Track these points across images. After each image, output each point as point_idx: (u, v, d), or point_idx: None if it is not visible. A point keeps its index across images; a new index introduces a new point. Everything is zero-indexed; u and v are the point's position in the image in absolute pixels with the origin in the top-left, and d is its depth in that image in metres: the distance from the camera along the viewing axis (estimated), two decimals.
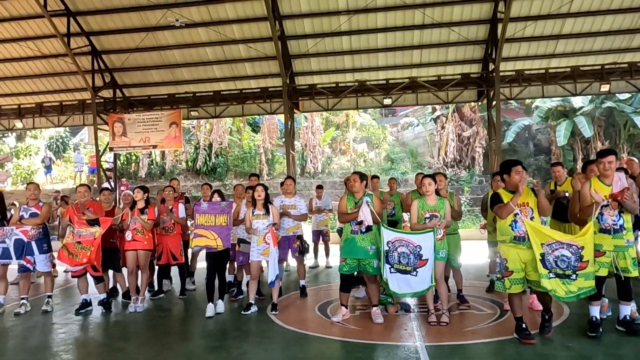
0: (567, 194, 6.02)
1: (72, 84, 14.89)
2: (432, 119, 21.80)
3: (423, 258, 5.11)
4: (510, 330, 4.74)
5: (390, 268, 5.19)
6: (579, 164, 17.60)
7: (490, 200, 4.84)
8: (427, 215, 5.32)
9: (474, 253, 8.69)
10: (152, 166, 21.16)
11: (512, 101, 18.61)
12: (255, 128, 22.53)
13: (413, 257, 5.12)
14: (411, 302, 6.12)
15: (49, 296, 6.69)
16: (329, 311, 6.00)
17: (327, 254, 9.73)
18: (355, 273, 5.75)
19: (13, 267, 6.89)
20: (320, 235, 9.71)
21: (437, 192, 5.51)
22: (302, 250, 6.99)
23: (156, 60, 14.02)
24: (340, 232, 8.24)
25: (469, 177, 19.48)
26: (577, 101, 18.39)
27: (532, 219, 4.46)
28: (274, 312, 5.95)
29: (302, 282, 7.07)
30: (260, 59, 13.52)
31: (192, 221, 7.31)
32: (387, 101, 13.85)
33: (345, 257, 5.50)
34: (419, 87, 13.29)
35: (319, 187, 10.00)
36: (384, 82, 13.36)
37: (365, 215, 5.33)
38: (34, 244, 6.49)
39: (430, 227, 5.18)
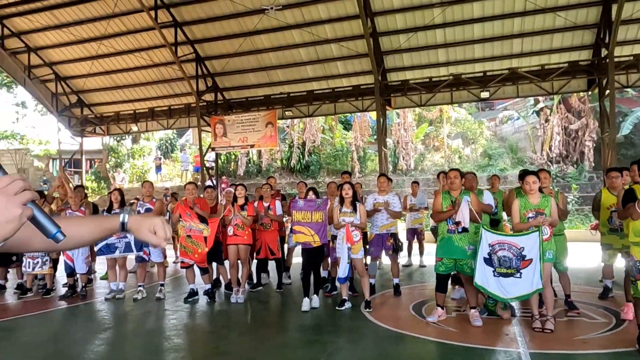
0: None
1: (179, 89, 16.09)
2: (534, 112, 20.41)
3: (527, 258, 4.82)
4: (631, 341, 4.31)
5: (493, 271, 4.96)
6: None
7: (623, 198, 4.34)
8: (530, 214, 5.00)
9: (583, 256, 8.01)
10: (249, 165, 22.20)
11: (629, 89, 16.81)
12: (347, 126, 22.71)
13: (515, 260, 4.85)
14: (514, 306, 5.80)
15: (162, 284, 7.31)
16: (423, 311, 5.89)
17: (421, 253, 9.55)
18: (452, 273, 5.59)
19: (131, 257, 7.62)
20: (414, 233, 9.55)
21: (541, 190, 5.16)
22: (396, 249, 6.93)
23: (253, 64, 14.68)
24: (434, 230, 8.03)
25: (577, 174, 17.95)
26: None
27: None
28: (367, 310, 5.97)
29: (395, 281, 7.01)
30: (352, 57, 13.59)
31: (287, 218, 7.58)
32: (485, 94, 13.21)
33: (442, 256, 5.36)
34: (519, 78, 12.52)
35: (415, 182, 9.82)
36: (481, 74, 12.76)
37: (464, 215, 5.13)
38: None
39: (534, 225, 4.86)
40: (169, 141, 26.67)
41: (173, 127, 17.90)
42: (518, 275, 4.85)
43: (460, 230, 5.22)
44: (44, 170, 25.64)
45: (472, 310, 5.32)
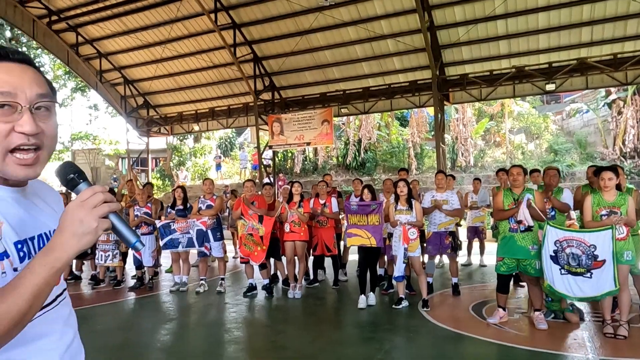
0: None
1: (238, 89, 16.52)
2: (605, 104, 19.15)
3: (599, 259, 4.54)
4: None
5: (560, 269, 4.72)
6: None
7: None
8: (604, 212, 4.70)
9: None
10: (305, 162, 22.43)
11: None
12: (404, 122, 22.38)
13: (585, 258, 4.59)
14: (583, 309, 5.50)
15: (222, 278, 7.57)
16: (484, 312, 5.71)
17: (481, 252, 9.23)
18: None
19: (193, 251, 7.94)
20: (475, 232, 9.26)
21: (618, 187, 4.84)
22: (455, 247, 6.78)
23: (309, 62, 14.81)
24: (495, 229, 7.77)
25: None
26: None
27: None
28: (425, 309, 5.87)
29: (454, 280, 6.84)
30: (409, 52, 13.37)
31: (343, 215, 7.60)
32: (550, 87, 12.55)
33: (503, 256, 5.16)
34: (589, 68, 11.79)
35: (477, 179, 9.53)
36: (546, 66, 12.14)
37: (525, 214, 4.92)
38: (209, 232, 7.40)
39: (608, 224, 4.57)
40: (228, 140, 27.50)
41: (232, 126, 18.42)
42: (588, 275, 4.59)
43: (522, 229, 5.01)
44: (114, 169, 27.26)
45: (537, 313, 5.09)
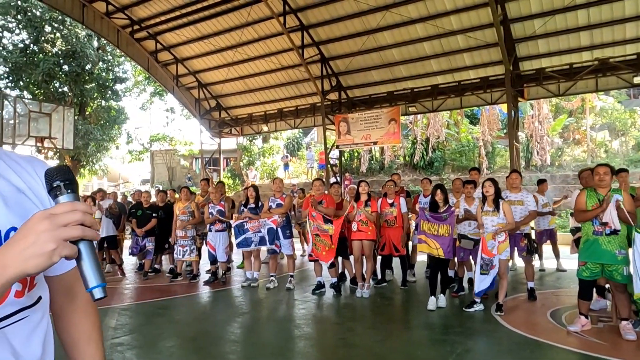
0: None
1: (305, 90, 16.77)
2: None
3: None
4: None
5: None
6: None
7: None
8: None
9: None
10: (372, 161, 22.32)
11: None
12: (474, 120, 21.64)
13: None
14: None
15: (291, 276, 7.73)
16: (563, 319, 5.42)
17: (556, 256, 8.72)
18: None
19: (263, 248, 8.16)
20: (547, 234, 8.75)
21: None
22: (530, 250, 6.47)
23: (376, 61, 14.72)
24: (574, 231, 7.34)
25: None
26: None
27: None
28: (499, 313, 5.66)
29: (530, 284, 6.54)
30: (480, 47, 12.91)
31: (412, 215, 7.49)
32: (638, 79, 11.60)
33: (586, 260, 4.86)
34: None
35: (541, 181, 8.94)
36: (634, 57, 11.23)
37: (612, 216, 4.60)
38: (279, 230, 7.59)
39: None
40: (295, 140, 27.98)
41: (299, 126, 18.73)
42: None
43: (608, 232, 4.69)
44: (189, 168, 28.67)
45: (624, 322, 4.74)
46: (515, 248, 6.46)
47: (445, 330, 5.26)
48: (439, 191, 6.31)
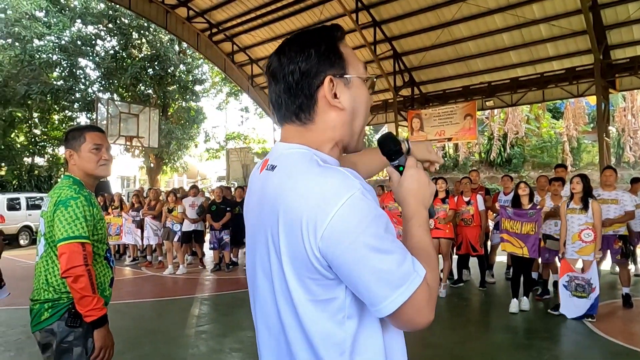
0: None
1: (377, 86, 16.62)
2: None
3: None
4: None
5: None
6: None
7: None
8: None
9: None
10: (445, 158, 21.75)
11: None
12: (557, 114, 20.41)
13: None
14: None
15: None
16: None
17: None
18: None
19: None
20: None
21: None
22: (626, 253, 6.00)
23: (450, 55, 14.29)
24: None
25: None
26: None
27: None
28: (590, 320, 5.30)
29: (625, 290, 6.05)
30: (565, 36, 12.11)
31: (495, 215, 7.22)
32: None
33: None
34: None
35: (636, 179, 8.15)
36: None
37: None
38: None
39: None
40: (366, 137, 27.86)
41: (371, 123, 18.62)
42: None
43: None
44: None
45: None
46: (609, 251, 6.02)
47: (530, 334, 5.01)
48: (523, 184, 6.03)
